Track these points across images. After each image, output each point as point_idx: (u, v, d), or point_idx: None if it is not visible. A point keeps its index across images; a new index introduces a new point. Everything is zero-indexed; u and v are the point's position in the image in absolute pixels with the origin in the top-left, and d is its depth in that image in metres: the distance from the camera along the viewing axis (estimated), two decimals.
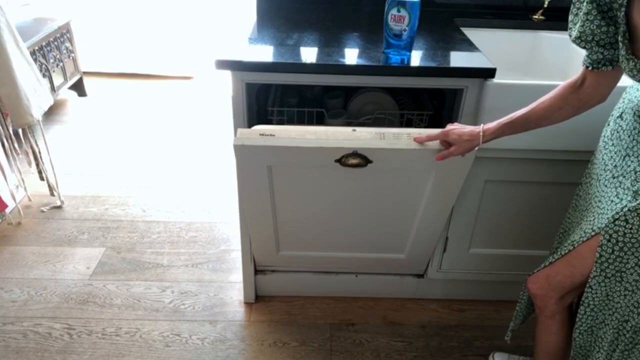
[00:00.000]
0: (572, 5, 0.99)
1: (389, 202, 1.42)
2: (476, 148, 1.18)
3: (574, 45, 1.01)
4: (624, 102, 1.09)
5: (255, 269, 1.76)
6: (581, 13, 0.95)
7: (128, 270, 1.95)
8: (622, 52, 0.93)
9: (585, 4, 0.93)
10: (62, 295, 1.82)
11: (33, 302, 1.79)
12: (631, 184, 1.03)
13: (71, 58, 3.20)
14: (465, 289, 1.82)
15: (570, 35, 1.00)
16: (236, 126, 1.38)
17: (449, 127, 1.20)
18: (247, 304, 1.81)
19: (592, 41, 0.95)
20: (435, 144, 1.22)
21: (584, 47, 0.97)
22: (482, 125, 1.16)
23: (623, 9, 0.89)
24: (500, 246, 1.67)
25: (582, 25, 0.95)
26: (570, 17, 1.00)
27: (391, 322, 1.76)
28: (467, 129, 1.17)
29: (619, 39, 0.92)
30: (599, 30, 0.94)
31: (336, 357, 1.63)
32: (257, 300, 1.82)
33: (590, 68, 1.00)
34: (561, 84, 1.07)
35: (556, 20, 1.72)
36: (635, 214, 0.99)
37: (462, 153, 1.19)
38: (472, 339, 1.71)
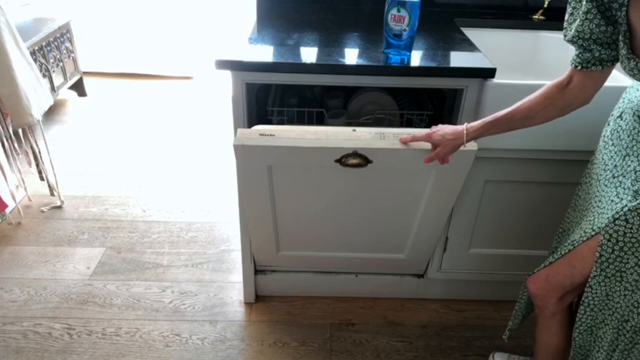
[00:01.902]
0: (568, 5, 0.99)
1: (389, 202, 1.42)
2: (461, 147, 1.18)
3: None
4: (623, 102, 1.09)
5: (255, 269, 1.76)
6: (580, 12, 0.95)
7: (128, 270, 1.95)
8: (623, 51, 0.93)
9: (584, 3, 0.93)
10: (62, 295, 1.82)
11: (33, 302, 1.79)
12: (631, 183, 1.03)
13: (71, 58, 3.20)
14: (465, 289, 1.82)
15: (565, 36, 1.00)
16: (236, 126, 1.38)
17: (433, 128, 1.20)
18: (247, 304, 1.81)
19: (590, 39, 0.95)
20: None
21: (580, 45, 0.97)
22: (465, 123, 1.16)
23: (624, 8, 0.89)
24: (500, 246, 1.67)
25: (581, 24, 0.95)
26: (566, 17, 1.00)
27: (391, 322, 1.76)
28: (451, 128, 1.18)
29: (620, 38, 0.92)
30: (597, 30, 0.94)
31: (336, 357, 1.63)
32: (257, 300, 1.82)
33: (579, 68, 1.00)
34: (547, 83, 1.07)
35: (556, 20, 1.72)
36: (636, 214, 0.99)
37: (448, 153, 1.19)
38: (472, 339, 1.71)
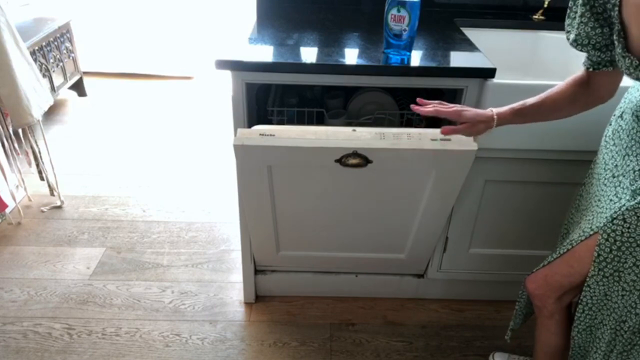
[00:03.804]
0: (568, 9, 0.99)
1: (389, 202, 1.42)
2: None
3: None
4: (624, 102, 1.09)
5: (255, 269, 1.76)
6: (577, 16, 0.95)
7: (128, 270, 1.95)
8: (618, 49, 0.93)
9: (579, 6, 0.94)
10: (62, 295, 1.82)
11: (33, 302, 1.79)
12: (630, 183, 1.03)
13: (71, 58, 3.20)
14: (465, 289, 1.82)
15: (568, 39, 1.00)
16: (236, 126, 1.39)
17: (459, 107, 1.15)
18: (247, 304, 1.81)
19: (589, 44, 0.96)
20: (434, 144, 1.22)
21: (581, 50, 0.98)
22: (491, 109, 1.13)
23: (617, 8, 0.89)
24: (500, 246, 1.67)
25: (578, 29, 0.95)
26: (568, 21, 1.00)
27: (391, 322, 1.76)
28: (480, 111, 1.14)
29: (615, 37, 0.93)
30: (593, 33, 0.94)
31: (336, 357, 1.63)
32: (257, 300, 1.82)
33: (591, 69, 1.00)
34: (568, 79, 1.07)
35: (556, 20, 1.72)
36: (633, 213, 0.99)
37: (472, 134, 1.16)
38: (472, 339, 1.71)
